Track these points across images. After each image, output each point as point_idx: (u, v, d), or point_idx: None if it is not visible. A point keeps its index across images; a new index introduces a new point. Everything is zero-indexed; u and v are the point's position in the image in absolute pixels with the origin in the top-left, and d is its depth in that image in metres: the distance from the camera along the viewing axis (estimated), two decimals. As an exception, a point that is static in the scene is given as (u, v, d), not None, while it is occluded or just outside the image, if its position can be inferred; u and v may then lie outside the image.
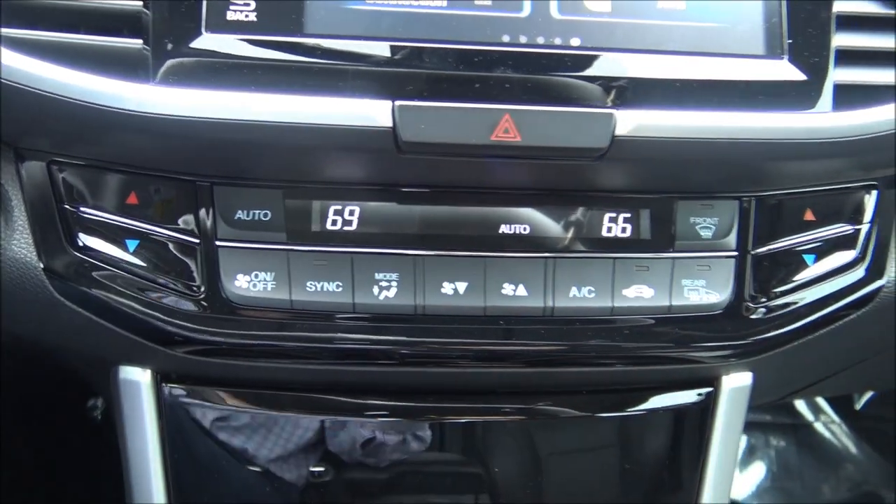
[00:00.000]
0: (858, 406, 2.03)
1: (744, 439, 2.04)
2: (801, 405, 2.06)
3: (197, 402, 0.88)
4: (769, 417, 2.06)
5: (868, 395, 2.03)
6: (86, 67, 0.69)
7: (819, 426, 2.05)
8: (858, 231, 0.86)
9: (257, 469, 0.91)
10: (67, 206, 0.78)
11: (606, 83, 0.72)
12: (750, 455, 2.04)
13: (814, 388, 1.15)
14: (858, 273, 0.86)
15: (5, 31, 0.69)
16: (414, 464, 0.92)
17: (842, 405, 2.04)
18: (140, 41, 0.70)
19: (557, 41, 0.72)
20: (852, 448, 2.01)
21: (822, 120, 0.74)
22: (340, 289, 0.79)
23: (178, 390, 0.87)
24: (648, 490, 0.96)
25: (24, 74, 0.69)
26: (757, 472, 2.02)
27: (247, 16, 0.70)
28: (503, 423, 0.92)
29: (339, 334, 0.81)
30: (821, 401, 2.06)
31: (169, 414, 0.87)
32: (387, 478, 0.93)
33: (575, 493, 0.95)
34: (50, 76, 0.69)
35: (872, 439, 2.00)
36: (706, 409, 0.92)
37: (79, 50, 0.70)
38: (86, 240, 0.78)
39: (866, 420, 2.01)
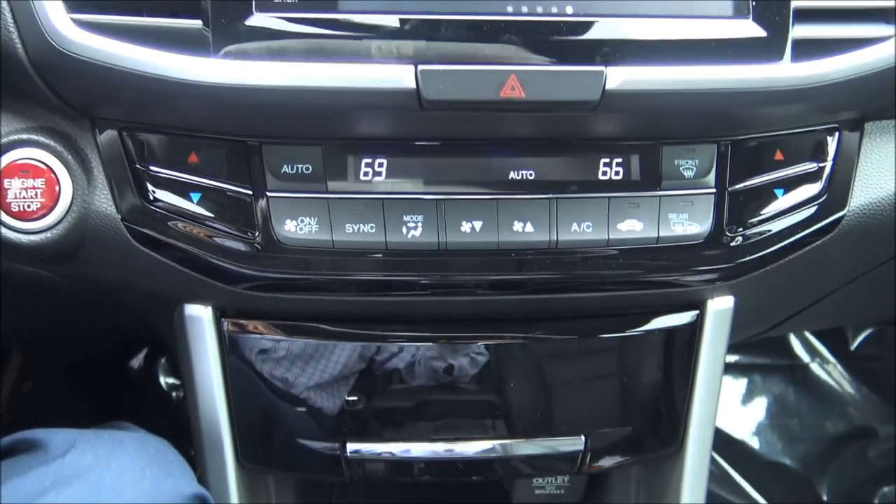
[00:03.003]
0: (853, 347, 2.13)
1: (744, 381, 2.15)
2: (797, 347, 2.16)
3: (253, 333, 1.00)
4: (768, 360, 2.15)
5: (862, 335, 2.14)
6: (152, 45, 0.79)
7: (815, 366, 2.14)
8: (822, 168, 0.95)
9: (300, 391, 1.04)
10: (138, 166, 0.88)
11: (597, 45, 0.81)
12: (749, 395, 2.14)
13: (796, 320, 1.26)
14: (822, 204, 0.96)
15: (78, 15, 0.79)
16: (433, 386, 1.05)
17: (837, 346, 2.14)
18: (200, 22, 0.80)
19: (554, 10, 0.81)
20: (847, 386, 2.12)
21: (781, 70, 0.84)
22: (374, 230, 0.89)
23: (235, 323, 0.99)
24: (647, 399, 1.09)
25: (101, 52, 0.78)
26: (757, 410, 2.12)
27: None
28: (516, 345, 1.04)
29: (374, 269, 0.92)
30: (816, 342, 2.16)
31: (228, 344, 0.99)
32: (413, 403, 1.06)
33: (583, 405, 1.09)
34: (124, 53, 0.78)
35: (867, 378, 2.11)
36: (694, 329, 1.03)
37: (144, 30, 0.79)
38: (156, 193, 0.89)
39: (860, 360, 2.12)
